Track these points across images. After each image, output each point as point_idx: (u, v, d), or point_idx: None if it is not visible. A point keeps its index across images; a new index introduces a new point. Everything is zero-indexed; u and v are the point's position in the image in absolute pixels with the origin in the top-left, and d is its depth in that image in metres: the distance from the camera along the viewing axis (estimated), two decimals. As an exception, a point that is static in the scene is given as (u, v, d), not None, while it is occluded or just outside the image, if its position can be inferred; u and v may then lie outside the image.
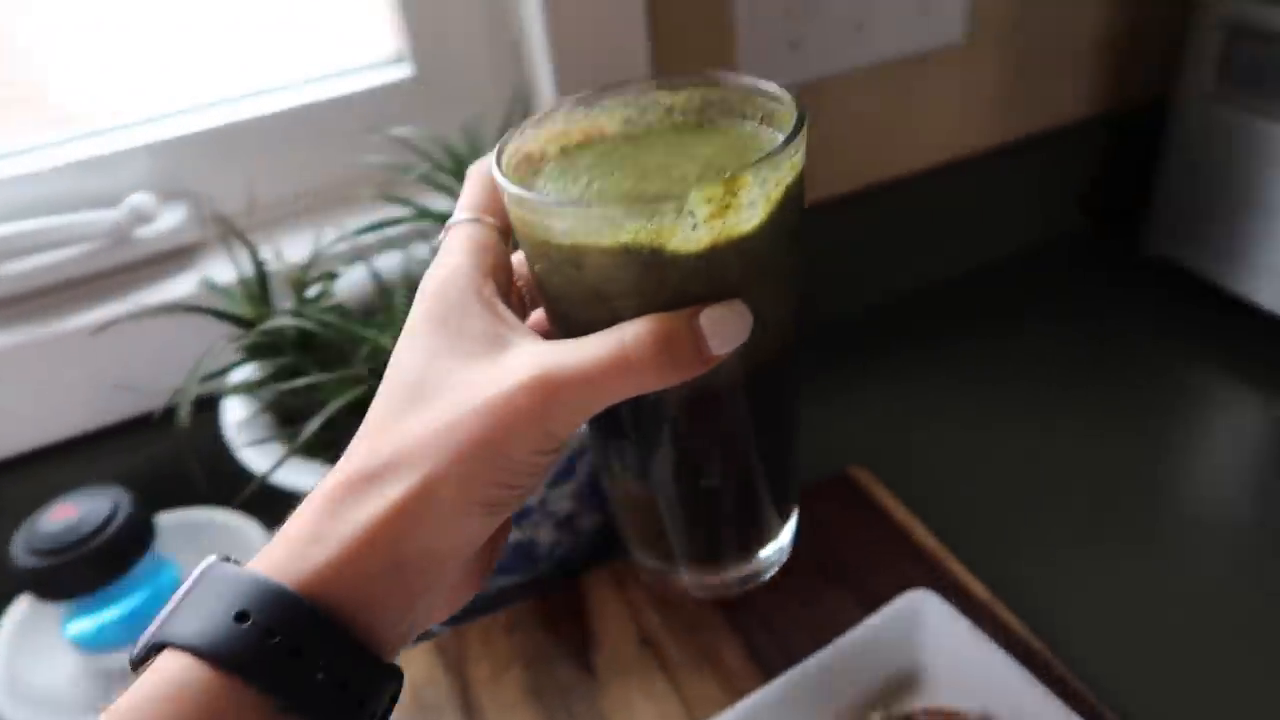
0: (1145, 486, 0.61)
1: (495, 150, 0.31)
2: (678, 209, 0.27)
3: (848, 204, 0.77)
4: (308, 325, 0.47)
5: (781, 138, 0.30)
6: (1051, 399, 0.69)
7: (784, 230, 0.30)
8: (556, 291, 0.30)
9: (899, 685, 0.46)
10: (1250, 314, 0.72)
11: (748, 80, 0.34)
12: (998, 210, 0.84)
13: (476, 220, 0.32)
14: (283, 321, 0.48)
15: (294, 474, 0.47)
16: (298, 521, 0.26)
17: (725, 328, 0.28)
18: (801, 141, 0.29)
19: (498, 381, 0.26)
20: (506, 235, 0.32)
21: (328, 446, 0.50)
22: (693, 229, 0.27)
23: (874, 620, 0.47)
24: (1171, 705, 0.48)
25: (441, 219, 0.57)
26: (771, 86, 0.33)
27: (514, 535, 0.52)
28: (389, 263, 0.56)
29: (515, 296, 0.32)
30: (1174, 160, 0.75)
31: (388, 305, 0.49)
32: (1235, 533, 0.58)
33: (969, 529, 0.58)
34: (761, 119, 0.34)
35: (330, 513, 0.25)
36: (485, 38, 0.65)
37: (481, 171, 0.33)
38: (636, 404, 0.31)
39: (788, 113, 0.31)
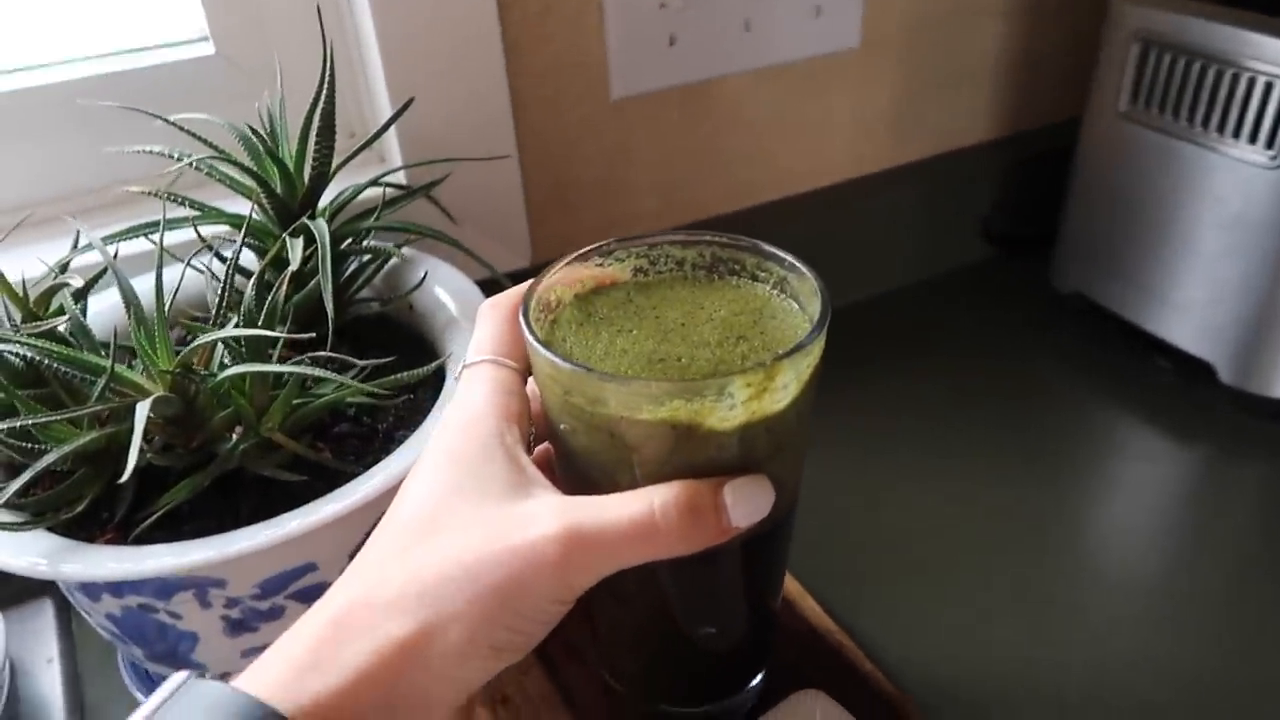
0: (1047, 530, 0.54)
1: (523, 304, 0.32)
2: (719, 391, 0.29)
3: (734, 224, 0.68)
4: (22, 352, 0.36)
5: (795, 305, 0.35)
6: (946, 440, 0.62)
7: (806, 405, 0.32)
8: (579, 448, 0.32)
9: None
10: (1160, 351, 0.67)
11: (765, 246, 0.35)
12: (896, 237, 0.77)
13: (498, 363, 0.32)
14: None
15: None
16: (296, 641, 0.25)
17: (749, 503, 0.29)
18: (825, 334, 0.31)
19: (521, 528, 0.26)
20: (526, 378, 0.33)
21: (58, 507, 0.39)
22: (730, 409, 0.29)
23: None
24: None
25: (234, 222, 0.46)
26: (789, 257, 0.35)
27: (310, 620, 0.41)
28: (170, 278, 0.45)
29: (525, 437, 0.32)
30: (1084, 184, 0.69)
31: (147, 334, 0.38)
32: (1145, 581, 0.51)
33: (858, 582, 0.50)
34: (774, 284, 0.36)
35: (333, 639, 0.25)
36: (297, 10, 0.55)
37: (500, 310, 0.33)
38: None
39: (807, 285, 0.34)
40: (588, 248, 0.37)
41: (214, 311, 0.40)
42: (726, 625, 0.38)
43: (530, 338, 0.32)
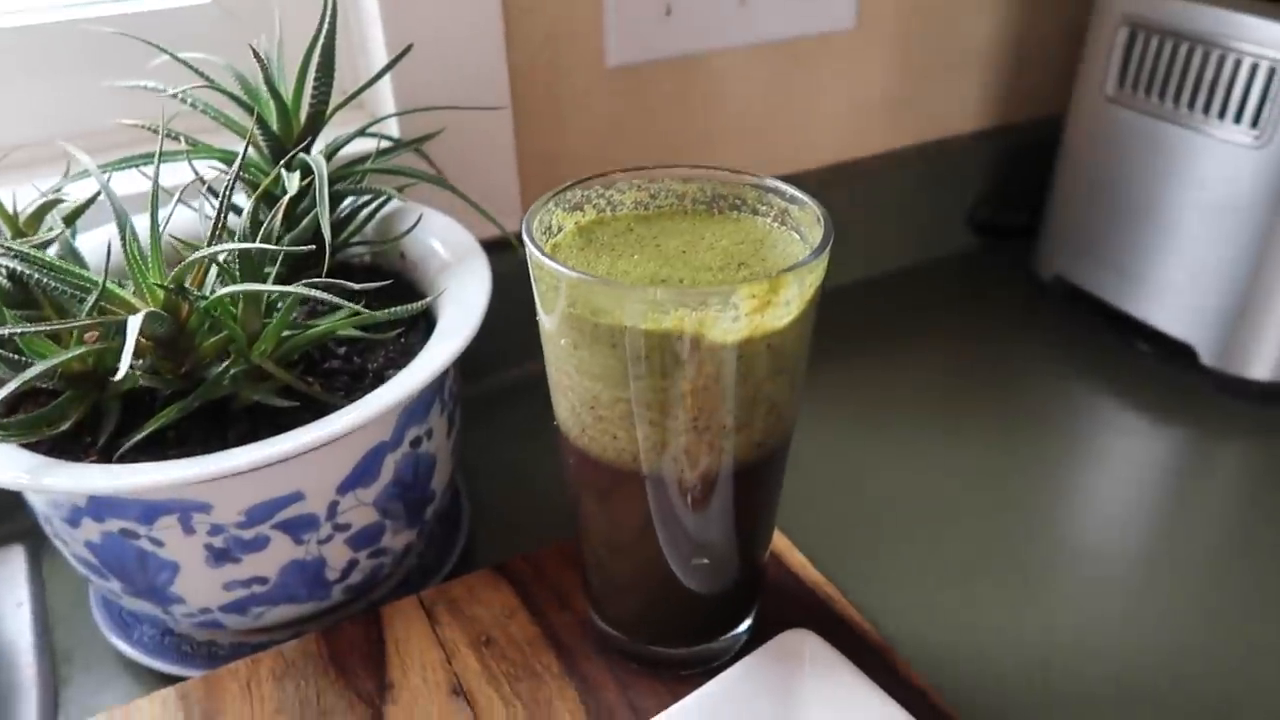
0: (1035, 512, 0.54)
1: (524, 222, 0.33)
2: (723, 301, 0.29)
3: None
4: (11, 265, 0.35)
5: (796, 235, 0.35)
6: (929, 422, 0.62)
7: (807, 327, 0.33)
8: (579, 366, 0.32)
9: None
10: (1142, 335, 0.67)
11: (767, 180, 0.36)
12: (883, 223, 0.78)
13: None
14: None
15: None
16: None
17: None
18: (829, 253, 0.32)
19: None
20: None
21: (35, 427, 0.38)
22: (733, 321, 0.30)
23: (748, 661, 0.38)
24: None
25: (227, 158, 0.46)
26: (791, 189, 0.35)
27: (295, 553, 0.41)
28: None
29: None
30: (1069, 169, 0.70)
31: (139, 252, 0.38)
32: (1124, 553, 0.51)
33: (846, 551, 0.50)
34: (775, 216, 0.36)
35: None
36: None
37: None
38: (652, 481, 0.34)
39: (809, 214, 0.34)
40: (590, 175, 0.37)
41: (207, 241, 0.39)
42: (719, 559, 0.37)
43: (533, 248, 0.32)
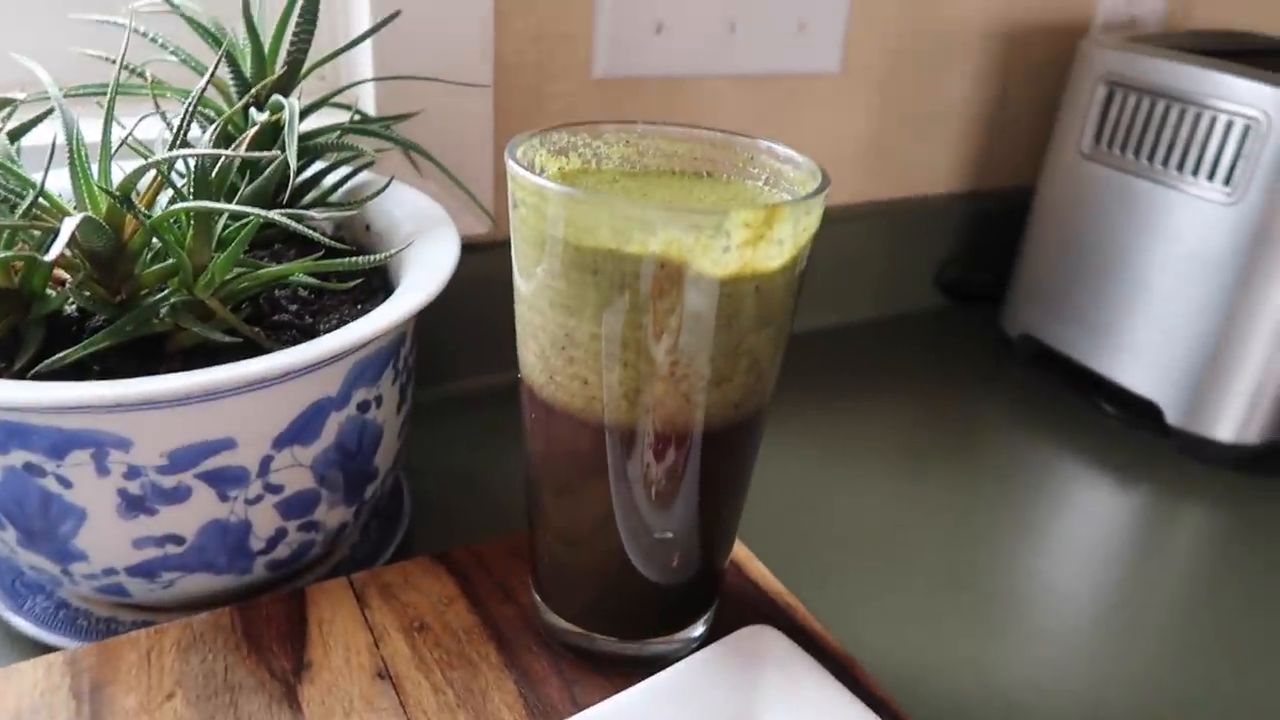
0: (1000, 550, 0.52)
1: (508, 148, 0.31)
2: (716, 226, 0.27)
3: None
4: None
5: (788, 197, 0.34)
6: (900, 465, 0.60)
7: (796, 280, 0.31)
8: (553, 301, 0.30)
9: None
10: (1108, 395, 0.67)
11: (760, 141, 0.35)
12: (854, 273, 0.77)
13: None
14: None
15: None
16: None
17: None
18: (825, 198, 0.31)
19: None
20: None
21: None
22: (724, 251, 0.28)
23: (706, 652, 0.35)
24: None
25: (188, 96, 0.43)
26: (785, 149, 0.34)
27: (219, 511, 0.37)
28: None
29: None
30: (1041, 226, 0.70)
31: (84, 159, 0.35)
32: (1089, 608, 0.49)
33: (809, 577, 0.47)
34: (766, 179, 0.35)
35: None
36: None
37: None
38: (620, 437, 0.32)
39: (804, 172, 0.33)
40: (577, 121, 0.35)
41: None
42: (681, 536, 0.35)
43: (516, 166, 0.30)
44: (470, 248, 0.53)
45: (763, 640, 0.35)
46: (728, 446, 0.34)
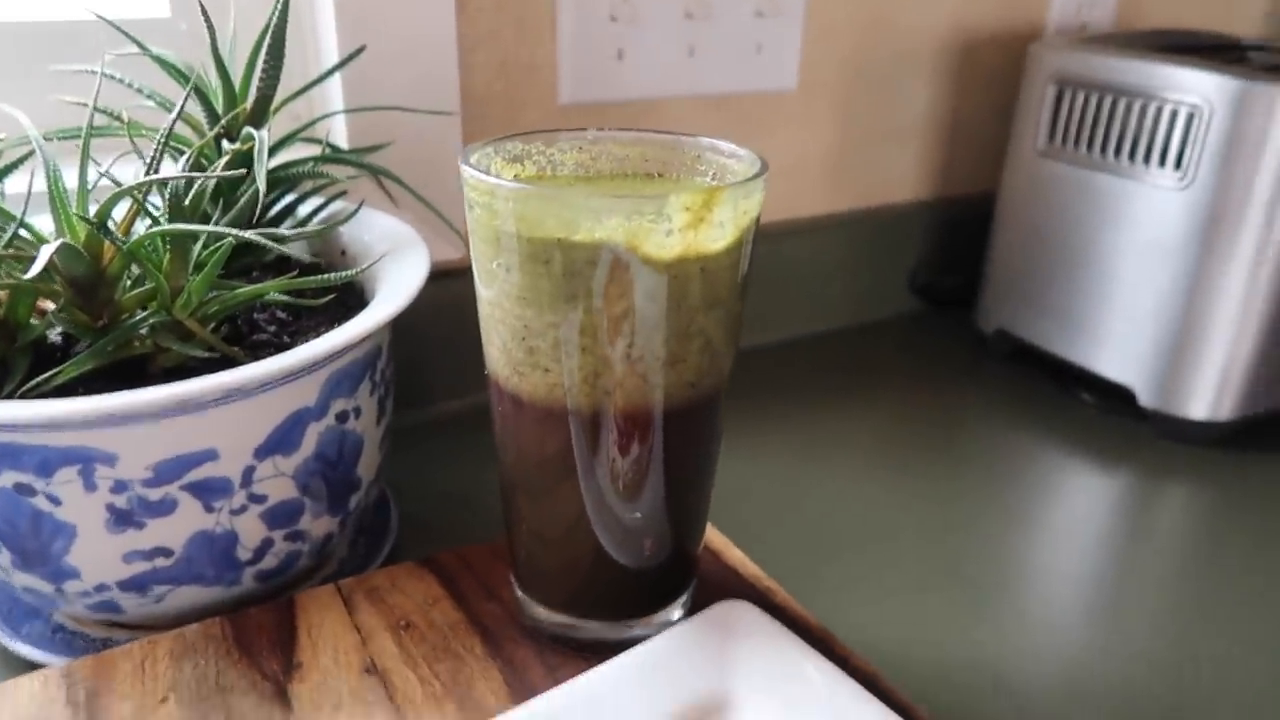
0: (982, 536, 0.53)
1: (463, 154, 0.33)
2: (657, 210, 0.29)
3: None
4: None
5: None
6: (881, 462, 0.61)
7: (741, 262, 0.33)
8: (510, 293, 0.32)
9: (706, 704, 0.34)
10: (1083, 383, 0.68)
11: (704, 140, 0.36)
12: (825, 282, 0.79)
13: None
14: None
15: None
16: None
17: None
18: (764, 184, 0.32)
19: None
20: None
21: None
22: (667, 234, 0.29)
23: (682, 626, 0.36)
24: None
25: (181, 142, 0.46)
26: (730, 145, 0.35)
27: (205, 522, 0.38)
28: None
29: None
30: (1005, 224, 0.72)
31: (63, 191, 0.37)
32: (1073, 587, 0.50)
33: (789, 565, 0.48)
34: (713, 175, 0.36)
35: None
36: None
37: None
38: (583, 421, 0.33)
39: (746, 166, 0.34)
40: (532, 130, 0.37)
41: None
42: (650, 516, 0.36)
43: (469, 169, 0.32)
44: (445, 274, 0.55)
45: (737, 613, 0.36)
46: (689, 427, 0.35)
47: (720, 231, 0.31)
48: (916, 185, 0.82)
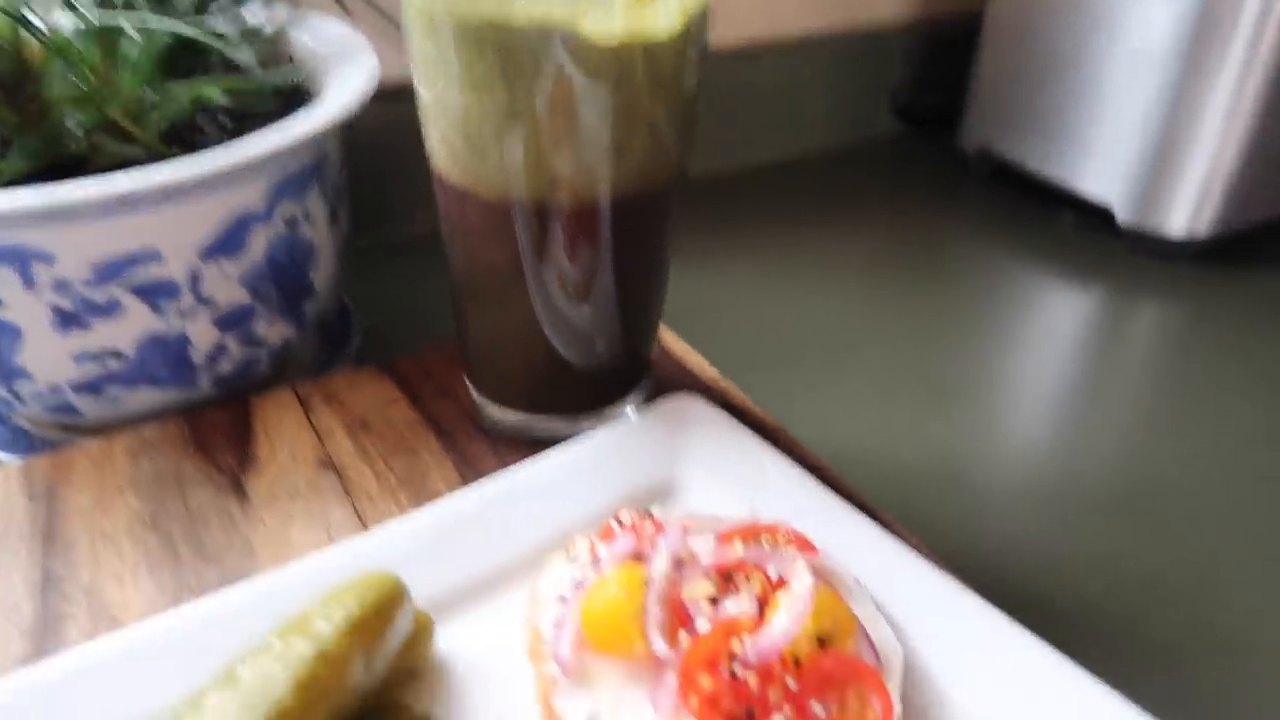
0: (955, 359, 0.53)
1: None
2: None
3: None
4: None
5: None
6: (858, 279, 0.61)
7: (689, 54, 0.31)
8: (455, 78, 0.30)
9: (656, 491, 0.35)
10: (1063, 202, 0.67)
11: None
12: (805, 104, 0.77)
13: None
14: None
15: None
16: None
17: None
18: None
19: None
20: None
21: None
22: (607, 15, 0.28)
23: (630, 419, 0.36)
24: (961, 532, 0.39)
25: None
26: None
27: (155, 325, 0.38)
28: None
29: None
30: (993, 40, 0.70)
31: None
32: (1044, 395, 0.51)
33: (752, 368, 0.48)
34: None
35: None
36: None
37: None
38: (528, 211, 0.32)
39: None
40: None
41: None
42: (600, 310, 0.35)
43: None
44: (403, 90, 0.53)
45: (688, 405, 0.37)
46: (638, 222, 0.34)
47: (665, 14, 0.30)
48: (900, 5, 0.78)
